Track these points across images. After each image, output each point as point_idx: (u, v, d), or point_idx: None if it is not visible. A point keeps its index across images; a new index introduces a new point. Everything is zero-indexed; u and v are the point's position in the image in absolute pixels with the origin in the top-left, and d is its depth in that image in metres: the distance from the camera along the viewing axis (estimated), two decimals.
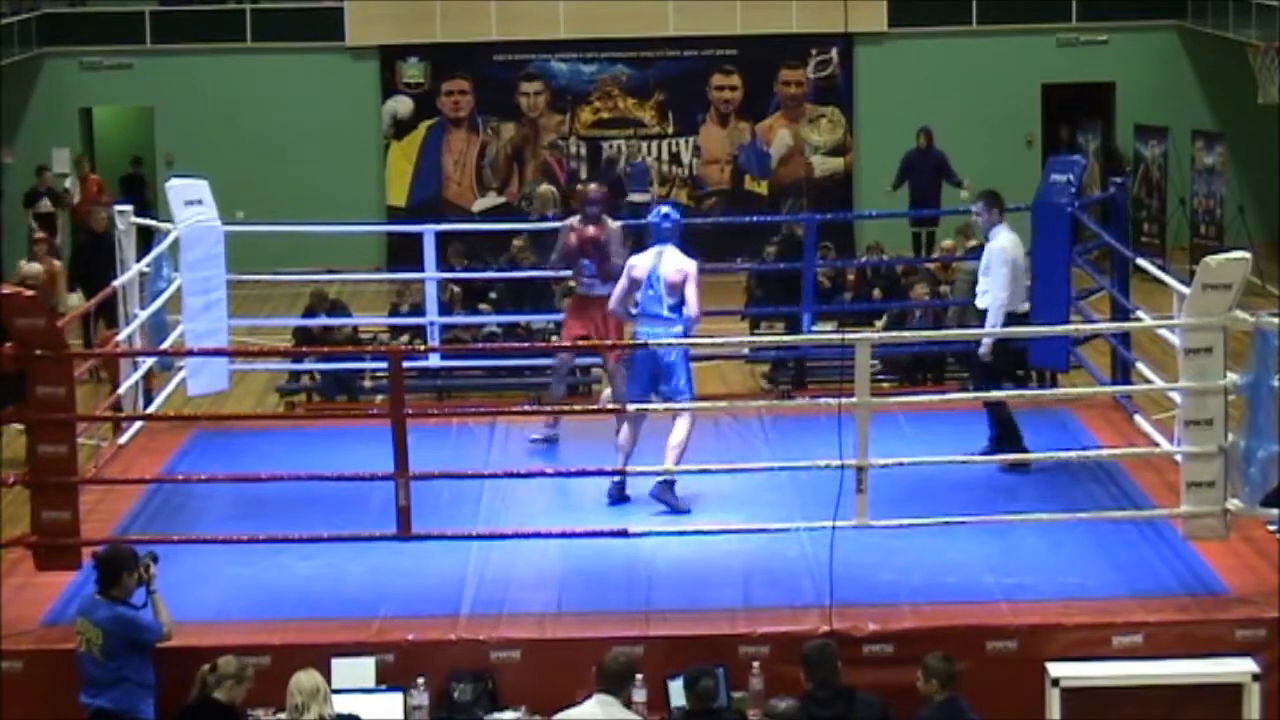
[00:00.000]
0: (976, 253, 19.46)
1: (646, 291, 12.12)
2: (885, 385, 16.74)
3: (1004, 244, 12.78)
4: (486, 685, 10.05)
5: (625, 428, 12.15)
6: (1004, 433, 12.59)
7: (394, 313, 18.86)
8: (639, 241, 25.96)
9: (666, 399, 11.98)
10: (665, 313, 12.07)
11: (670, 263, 12.14)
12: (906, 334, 12.49)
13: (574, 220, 13.51)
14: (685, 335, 12.13)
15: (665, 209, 12.58)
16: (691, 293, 12.08)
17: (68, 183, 24.71)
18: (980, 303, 12.88)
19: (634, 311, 12.26)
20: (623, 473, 11.84)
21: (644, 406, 11.89)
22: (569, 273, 13.86)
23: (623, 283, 12.33)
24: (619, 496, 12.05)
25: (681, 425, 11.97)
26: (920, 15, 26.70)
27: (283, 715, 9.58)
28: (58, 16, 26.80)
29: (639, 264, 12.25)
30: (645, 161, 26.57)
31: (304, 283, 20.06)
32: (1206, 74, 26.60)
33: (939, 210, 22.96)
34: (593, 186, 13.94)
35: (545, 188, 25.44)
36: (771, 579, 10.83)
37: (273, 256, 21.07)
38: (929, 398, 12.70)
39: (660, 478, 11.87)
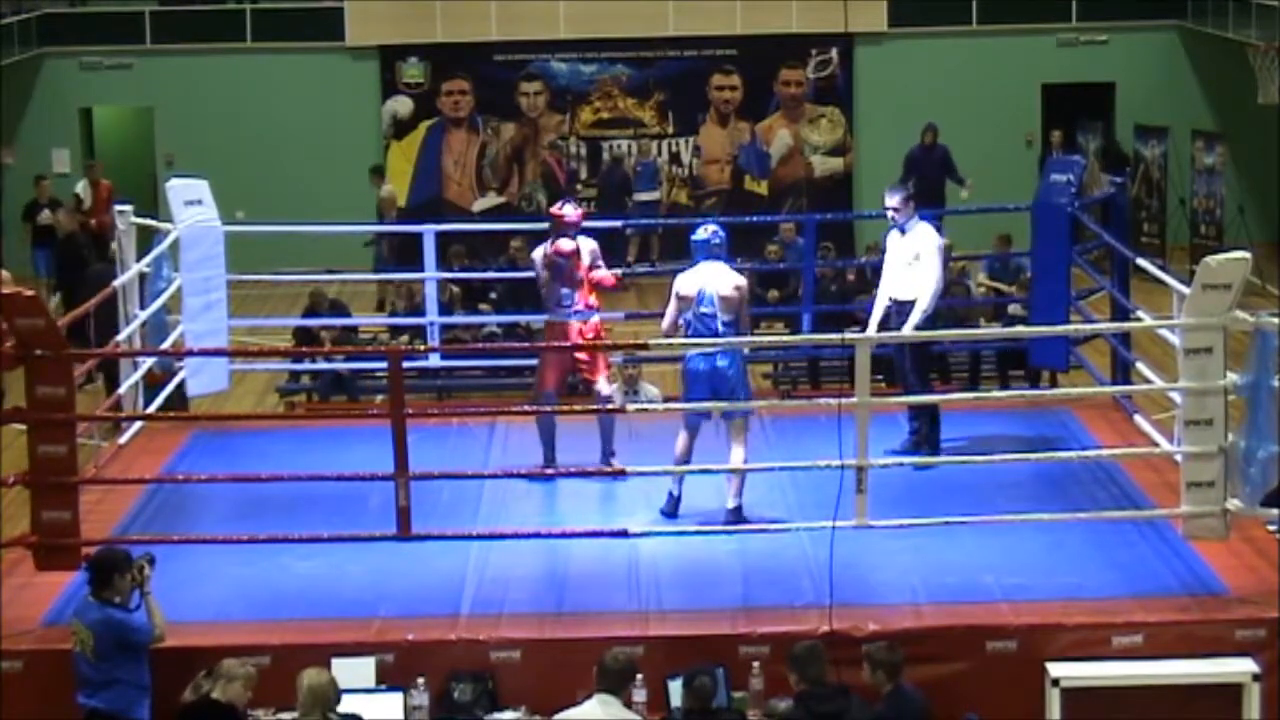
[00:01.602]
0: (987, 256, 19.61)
1: (699, 309, 11.85)
2: (882, 385, 16.74)
3: (930, 234, 12.73)
4: (486, 685, 10.05)
5: (681, 439, 11.91)
6: (928, 428, 12.65)
7: (394, 313, 18.85)
8: (646, 241, 25.99)
9: (727, 415, 11.78)
10: (719, 330, 11.82)
11: (722, 279, 11.90)
12: (906, 334, 12.44)
13: (545, 247, 12.66)
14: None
15: (713, 226, 12.22)
16: (744, 309, 11.97)
17: (79, 188, 24.55)
18: (905, 294, 12.65)
19: (684, 332, 11.90)
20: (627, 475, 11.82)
21: (674, 407, 11.85)
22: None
23: (672, 305, 11.96)
24: (673, 511, 11.82)
25: (738, 450, 11.79)
26: (920, 15, 26.69)
27: (283, 715, 9.59)
28: (58, 16, 26.78)
29: (685, 283, 11.92)
30: (656, 160, 26.54)
31: (304, 283, 20.05)
32: (1206, 74, 26.60)
33: (943, 210, 22.88)
34: (569, 208, 12.74)
35: (386, 189, 24.68)
36: (771, 579, 10.83)
37: (273, 256, 21.05)
38: (929, 398, 12.69)
39: (730, 505, 11.67)
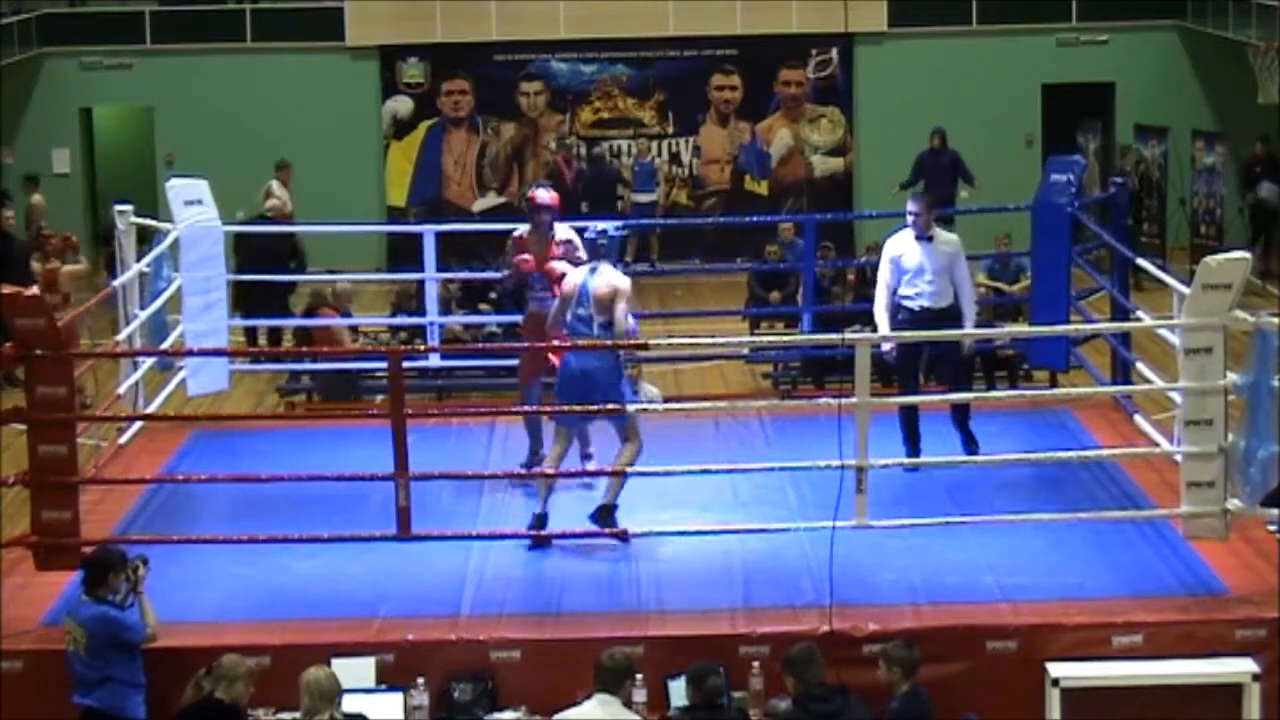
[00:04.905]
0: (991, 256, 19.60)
1: (576, 309, 11.57)
2: (879, 385, 16.72)
3: (957, 241, 12.75)
4: (486, 685, 10.06)
5: (555, 449, 11.60)
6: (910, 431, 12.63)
7: (394, 313, 18.85)
8: (645, 242, 25.98)
9: (615, 420, 11.46)
10: (596, 331, 11.50)
11: (601, 279, 11.55)
12: (907, 334, 12.44)
13: (522, 231, 12.51)
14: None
15: (603, 225, 11.92)
16: (616, 310, 11.57)
17: (274, 187, 23.94)
18: (941, 302, 12.63)
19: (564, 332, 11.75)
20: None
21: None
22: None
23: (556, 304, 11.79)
24: (540, 525, 11.30)
25: (628, 448, 11.42)
26: (920, 15, 26.68)
27: (283, 715, 9.59)
28: (58, 16, 26.77)
29: (570, 281, 11.69)
30: (654, 161, 26.49)
31: (304, 283, 20.03)
32: (1206, 74, 26.60)
33: (953, 209, 22.82)
34: (542, 191, 12.52)
35: (36, 198, 23.45)
36: (771, 579, 10.83)
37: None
38: (929, 398, 12.69)
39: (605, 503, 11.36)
